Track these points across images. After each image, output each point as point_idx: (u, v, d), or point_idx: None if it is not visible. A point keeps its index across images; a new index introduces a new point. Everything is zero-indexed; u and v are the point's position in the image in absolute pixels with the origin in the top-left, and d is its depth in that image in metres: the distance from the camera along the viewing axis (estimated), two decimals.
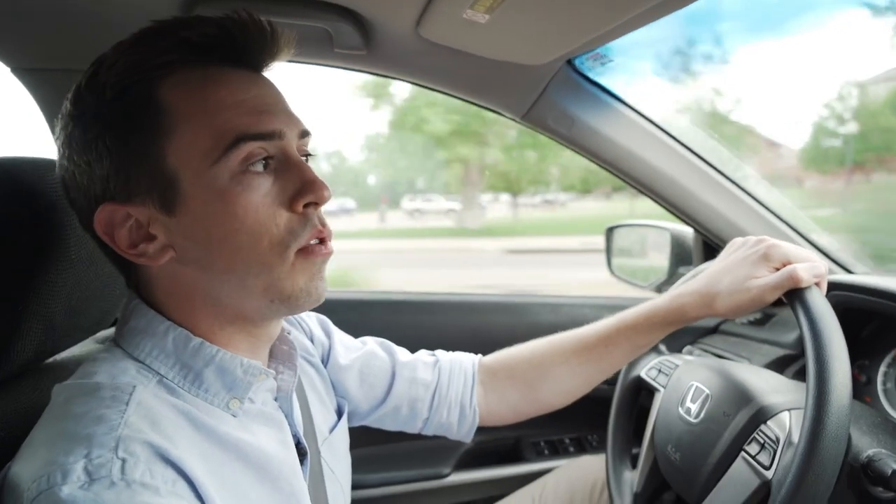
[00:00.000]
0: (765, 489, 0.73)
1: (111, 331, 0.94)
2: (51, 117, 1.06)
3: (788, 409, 0.79)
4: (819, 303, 0.73)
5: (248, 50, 0.60)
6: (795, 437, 0.73)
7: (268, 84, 0.63)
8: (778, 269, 0.78)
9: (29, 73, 1.03)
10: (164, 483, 0.49)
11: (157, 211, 0.58)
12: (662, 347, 1.14)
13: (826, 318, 0.71)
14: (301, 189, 0.60)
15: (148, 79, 0.56)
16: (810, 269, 0.76)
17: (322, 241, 0.63)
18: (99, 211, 0.57)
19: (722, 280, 0.82)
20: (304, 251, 0.61)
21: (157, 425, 0.53)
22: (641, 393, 1.11)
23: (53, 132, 1.07)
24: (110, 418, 0.51)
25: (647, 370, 1.09)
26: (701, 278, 0.86)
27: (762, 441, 0.77)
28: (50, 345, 0.73)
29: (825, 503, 0.64)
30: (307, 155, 0.65)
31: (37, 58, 1.02)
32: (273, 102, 0.61)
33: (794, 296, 0.75)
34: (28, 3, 0.89)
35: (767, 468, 0.74)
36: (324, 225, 0.63)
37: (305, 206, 0.61)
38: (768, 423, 0.78)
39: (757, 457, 0.76)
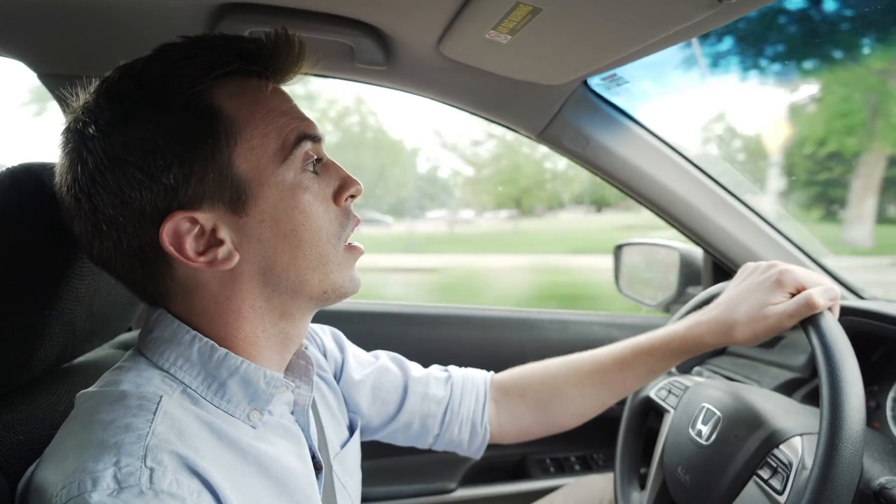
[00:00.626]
0: None
1: (127, 336, 0.96)
2: None
3: (801, 434, 0.79)
4: (833, 328, 0.73)
5: (285, 65, 0.64)
6: (808, 462, 0.73)
7: (290, 96, 0.68)
8: (792, 295, 0.79)
9: (55, 79, 1.04)
10: (190, 494, 0.50)
11: (226, 213, 0.59)
12: (672, 368, 1.14)
13: (840, 344, 0.71)
14: (342, 185, 0.67)
15: (209, 87, 0.59)
16: (825, 293, 0.76)
17: None
18: (168, 221, 0.57)
19: (739, 308, 0.83)
20: (349, 247, 0.68)
21: (183, 436, 0.54)
22: (650, 413, 1.11)
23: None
24: (138, 427, 0.52)
25: (656, 391, 1.08)
26: (717, 306, 0.87)
27: (775, 465, 0.77)
28: (70, 350, 0.73)
29: None
30: None
31: (63, 64, 1.03)
32: (303, 112, 0.66)
33: (807, 321, 0.75)
34: (55, 10, 0.90)
35: (780, 493, 0.74)
36: (358, 216, 0.70)
37: (346, 199, 0.67)
38: (781, 447, 0.78)
39: (769, 481, 0.76)
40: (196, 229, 0.58)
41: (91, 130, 0.57)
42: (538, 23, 0.79)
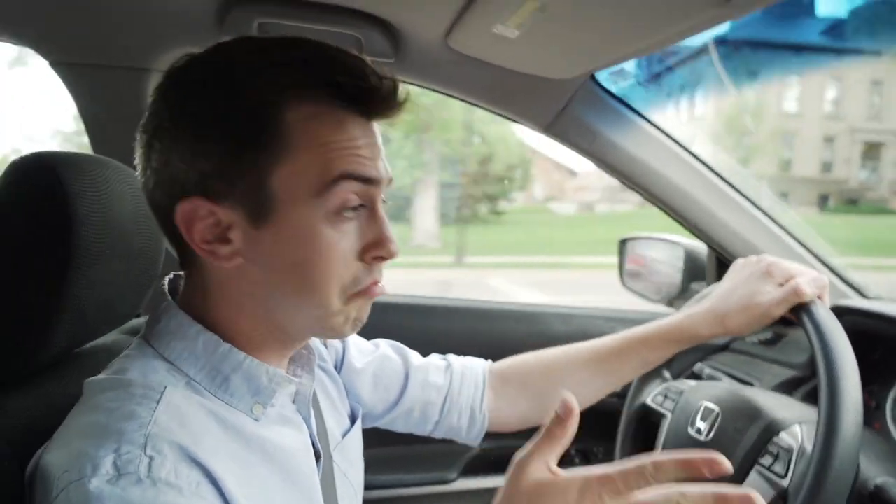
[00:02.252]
0: (781, 502, 0.74)
1: (136, 322, 0.97)
2: (85, 112, 1.07)
3: (800, 423, 0.80)
4: (823, 313, 0.77)
5: (380, 107, 0.62)
6: (809, 448, 0.75)
7: (375, 133, 0.64)
8: (781, 285, 0.82)
9: (66, 68, 1.04)
10: (188, 484, 0.50)
11: (243, 219, 0.59)
12: (667, 374, 1.14)
13: (831, 324, 0.75)
14: (376, 243, 0.63)
15: (285, 101, 0.58)
16: (812, 282, 0.80)
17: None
18: (185, 201, 0.58)
19: (731, 299, 0.86)
20: (357, 295, 0.64)
21: (186, 426, 0.54)
22: (648, 420, 1.11)
23: (87, 124, 1.10)
24: (141, 415, 0.53)
25: (652, 397, 1.08)
26: (711, 298, 0.90)
27: (776, 452, 0.78)
28: (81, 336, 0.74)
29: (844, 501, 0.66)
30: (384, 200, 0.67)
31: (74, 52, 1.03)
32: (378, 151, 0.63)
33: (799, 309, 0.79)
34: None
35: (783, 476, 0.75)
36: (381, 276, 0.66)
37: (374, 258, 0.63)
38: (781, 434, 0.80)
39: (771, 468, 0.77)
40: (212, 219, 0.59)
41: (174, 92, 0.60)
42: (545, 17, 0.79)
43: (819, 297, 0.80)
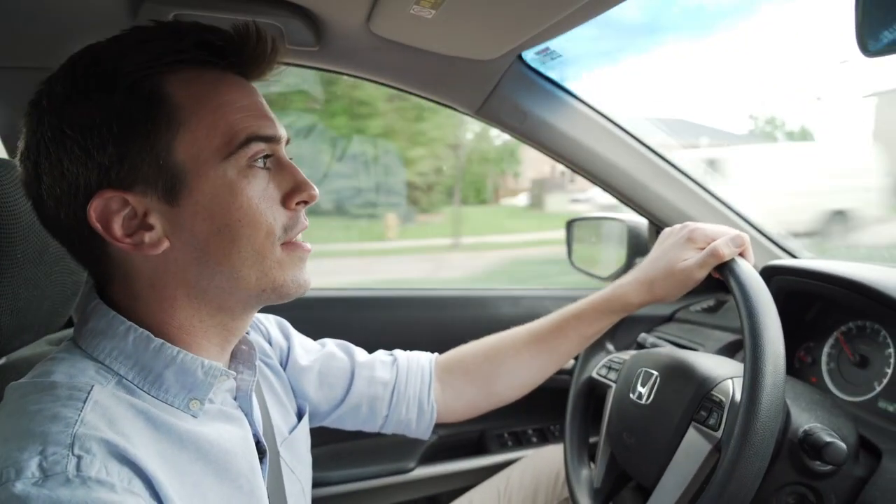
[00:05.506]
0: (717, 454, 0.76)
1: (65, 332, 0.94)
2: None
3: (731, 378, 0.83)
4: (744, 268, 0.79)
5: (253, 61, 0.64)
6: (739, 398, 0.77)
7: (259, 93, 0.66)
8: (702, 249, 0.85)
9: None
10: (119, 480, 0.49)
11: (158, 201, 0.59)
12: (610, 346, 1.16)
13: (751, 276, 0.77)
14: (294, 188, 0.65)
15: (159, 73, 0.58)
16: (730, 242, 0.83)
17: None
18: (96, 197, 0.57)
19: (657, 266, 0.89)
20: (290, 244, 0.65)
21: (115, 424, 0.53)
22: (595, 393, 1.13)
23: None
24: (66, 416, 0.51)
25: (597, 370, 1.11)
26: (638, 268, 0.93)
27: (710, 407, 0.81)
28: None
29: (772, 445, 0.68)
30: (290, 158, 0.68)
31: None
32: (268, 109, 0.65)
33: (723, 268, 0.82)
34: None
35: (716, 429, 0.77)
36: (307, 223, 0.68)
37: (297, 203, 0.65)
38: (713, 391, 0.82)
39: (706, 422, 0.80)
40: (127, 210, 0.58)
41: (44, 103, 0.58)
42: None
43: (741, 255, 0.83)
